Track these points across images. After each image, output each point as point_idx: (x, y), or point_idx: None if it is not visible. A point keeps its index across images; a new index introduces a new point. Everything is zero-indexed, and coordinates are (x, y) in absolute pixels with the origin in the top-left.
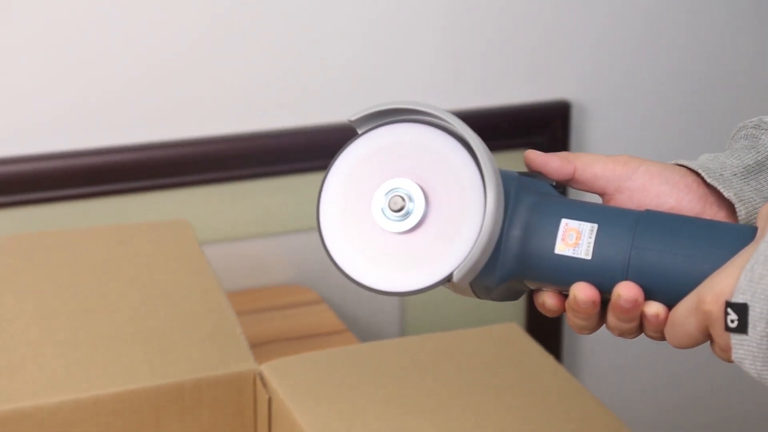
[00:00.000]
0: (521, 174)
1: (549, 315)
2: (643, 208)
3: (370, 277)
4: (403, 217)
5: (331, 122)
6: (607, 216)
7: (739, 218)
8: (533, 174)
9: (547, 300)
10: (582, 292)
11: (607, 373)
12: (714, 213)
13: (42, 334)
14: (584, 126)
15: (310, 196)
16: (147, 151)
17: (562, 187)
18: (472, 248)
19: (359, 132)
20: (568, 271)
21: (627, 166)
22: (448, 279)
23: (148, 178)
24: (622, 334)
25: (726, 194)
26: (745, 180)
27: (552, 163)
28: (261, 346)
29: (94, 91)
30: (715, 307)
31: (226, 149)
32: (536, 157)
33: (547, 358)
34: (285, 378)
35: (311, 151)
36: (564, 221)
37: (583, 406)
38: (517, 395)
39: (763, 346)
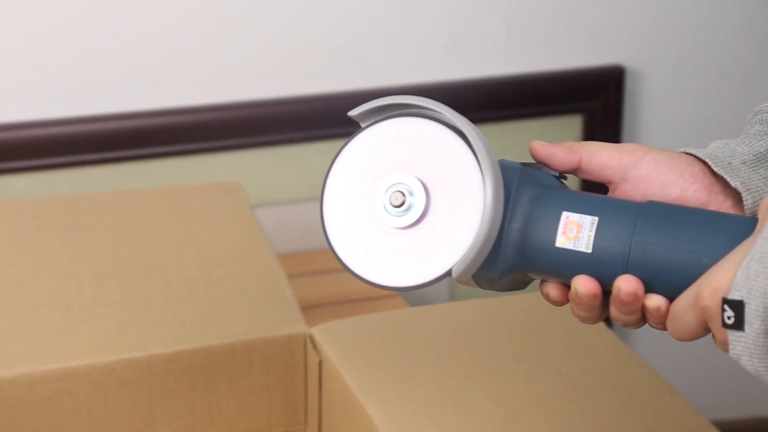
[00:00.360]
0: (524, 164)
1: (554, 305)
2: (647, 198)
3: (371, 272)
4: (403, 213)
5: (387, 85)
6: (608, 209)
7: (746, 208)
8: (537, 165)
9: (551, 291)
10: (583, 285)
11: (657, 338)
12: (720, 202)
13: (96, 294)
14: (639, 92)
15: None
16: (201, 114)
17: (565, 177)
18: (470, 245)
19: (362, 125)
20: (569, 264)
21: (633, 155)
22: (447, 274)
23: (202, 141)
24: (626, 325)
25: (732, 183)
26: (754, 168)
27: (558, 154)
28: (312, 309)
29: (150, 54)
30: (712, 302)
31: (279, 112)
32: (541, 148)
33: (597, 324)
34: (335, 341)
35: None
36: (565, 214)
37: (633, 372)
38: (567, 360)
39: (760, 343)
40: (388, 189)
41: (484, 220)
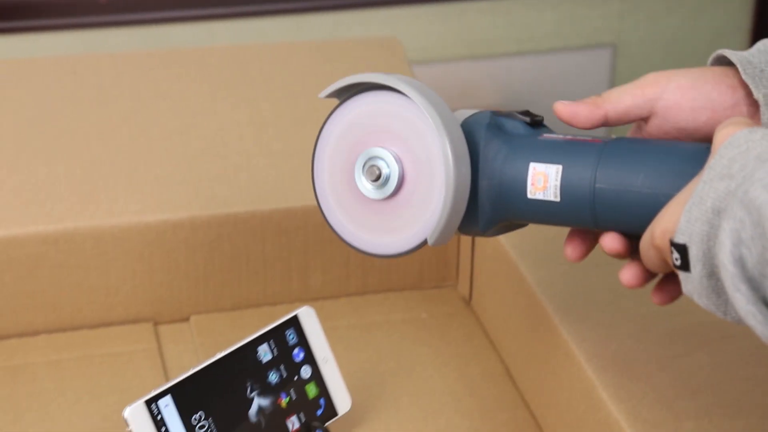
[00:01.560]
0: (495, 114)
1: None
2: (680, 129)
3: (359, 241)
4: (381, 186)
5: None
6: (570, 155)
7: (763, 122)
8: (508, 112)
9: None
10: (572, 252)
11: None
12: (751, 116)
13: (255, 144)
14: None
15: (519, 20)
16: None
17: (538, 120)
18: (439, 214)
19: (339, 101)
20: (543, 213)
21: (656, 86)
22: (425, 242)
23: None
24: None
25: (755, 94)
26: None
27: (581, 112)
28: None
29: None
30: (663, 243)
31: None
32: (564, 108)
33: None
34: None
35: None
36: (532, 165)
37: None
38: None
39: (705, 284)
40: (365, 164)
41: (448, 190)
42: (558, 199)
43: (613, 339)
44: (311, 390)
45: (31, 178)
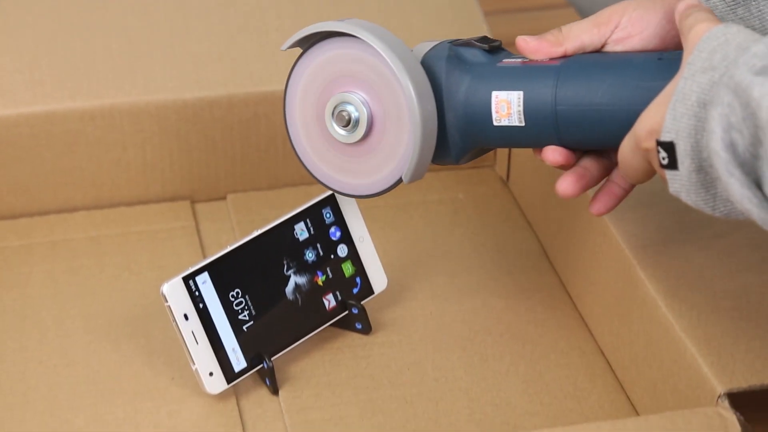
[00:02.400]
0: (453, 44)
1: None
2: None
3: (337, 184)
4: (352, 130)
5: None
6: (530, 79)
7: None
8: (466, 41)
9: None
10: (550, 157)
11: None
12: None
13: (293, 23)
14: None
15: None
16: None
17: (497, 44)
18: (411, 152)
19: (302, 51)
20: (512, 137)
21: (610, 22)
22: (400, 181)
23: None
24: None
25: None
26: (732, 8)
27: (542, 49)
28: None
29: None
30: (650, 144)
31: None
32: (525, 45)
33: None
34: None
35: None
36: (494, 94)
37: None
38: None
39: (693, 180)
40: (333, 110)
41: (416, 128)
42: (523, 124)
43: (652, 219)
44: (347, 268)
45: (68, 54)
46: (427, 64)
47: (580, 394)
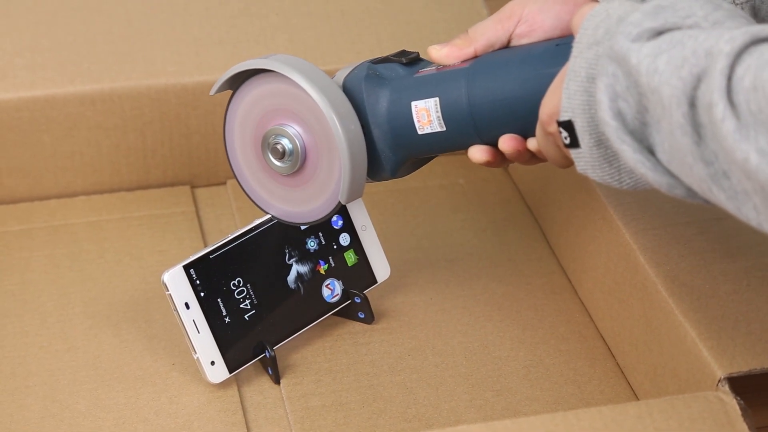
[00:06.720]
0: (372, 62)
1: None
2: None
3: (282, 213)
4: (287, 161)
5: None
6: (443, 85)
7: None
8: (384, 58)
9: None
10: (476, 156)
11: None
12: None
13: (294, 5)
14: None
15: None
16: None
17: (414, 57)
18: (343, 175)
19: (232, 92)
20: (438, 143)
21: (512, 18)
22: (340, 204)
23: None
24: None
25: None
26: None
27: (452, 54)
28: None
29: None
30: (553, 127)
31: None
32: (436, 53)
33: None
34: None
35: None
36: (413, 104)
37: None
38: None
39: (595, 155)
40: (268, 143)
41: (343, 150)
42: (444, 129)
43: (652, 203)
44: (350, 257)
45: (68, 37)
46: (347, 86)
47: (580, 379)
